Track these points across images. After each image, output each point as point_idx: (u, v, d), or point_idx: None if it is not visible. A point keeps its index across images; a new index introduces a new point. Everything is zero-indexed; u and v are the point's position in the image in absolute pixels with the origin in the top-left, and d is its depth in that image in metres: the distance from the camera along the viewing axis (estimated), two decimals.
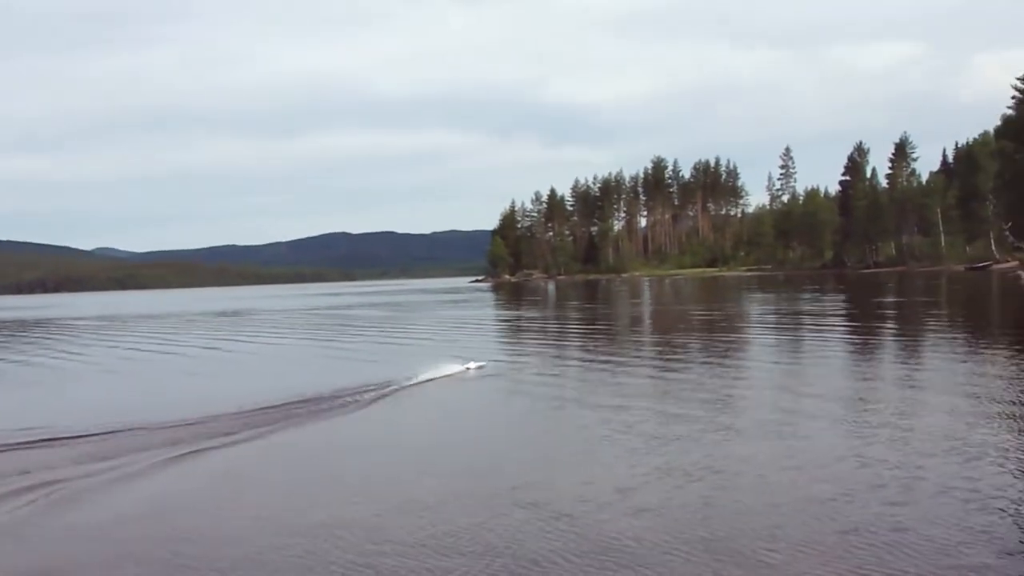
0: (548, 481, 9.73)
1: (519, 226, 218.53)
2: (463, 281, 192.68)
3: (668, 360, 22.80)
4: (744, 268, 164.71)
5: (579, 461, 10.73)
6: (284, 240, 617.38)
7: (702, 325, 35.58)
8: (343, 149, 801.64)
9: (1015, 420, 11.98)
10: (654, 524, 7.81)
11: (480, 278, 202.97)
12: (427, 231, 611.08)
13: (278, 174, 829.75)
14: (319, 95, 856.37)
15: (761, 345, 25.86)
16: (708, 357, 23.09)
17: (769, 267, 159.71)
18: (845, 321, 35.65)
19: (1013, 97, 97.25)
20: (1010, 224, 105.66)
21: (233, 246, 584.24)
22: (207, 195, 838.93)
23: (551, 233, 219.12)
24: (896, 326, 32.39)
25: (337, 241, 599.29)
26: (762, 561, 6.74)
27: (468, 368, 20.90)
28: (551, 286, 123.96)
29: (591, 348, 27.97)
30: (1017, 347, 21.62)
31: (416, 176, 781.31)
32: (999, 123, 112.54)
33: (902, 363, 20.20)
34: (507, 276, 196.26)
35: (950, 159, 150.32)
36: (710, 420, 13.02)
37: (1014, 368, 17.13)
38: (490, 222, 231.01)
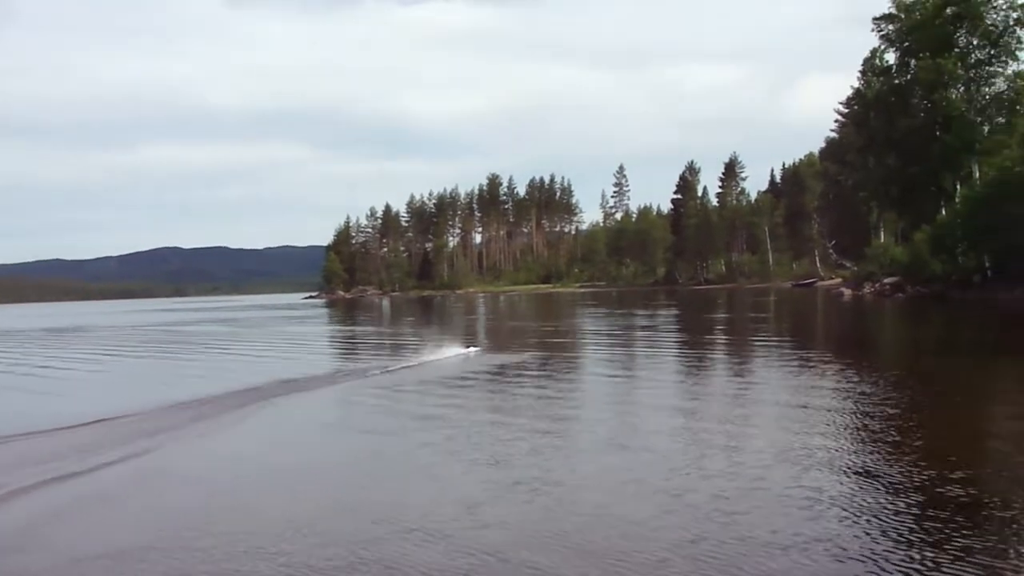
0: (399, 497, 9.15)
1: (354, 242, 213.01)
2: (297, 297, 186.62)
3: (505, 376, 20.63)
4: (578, 284, 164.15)
5: (427, 477, 10.07)
6: (114, 255, 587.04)
7: (538, 341, 33.31)
8: (174, 162, 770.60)
9: (845, 428, 11.85)
10: (502, 536, 7.52)
11: (314, 294, 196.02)
12: (261, 246, 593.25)
13: (108, 187, 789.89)
14: (150, 107, 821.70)
15: (597, 360, 24.77)
16: (546, 372, 21.32)
17: (603, 283, 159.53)
18: (679, 336, 34.58)
19: (836, 120, 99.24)
20: (834, 242, 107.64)
21: (59, 260, 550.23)
22: (30, 208, 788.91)
23: (386, 249, 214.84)
24: (728, 341, 31.40)
25: (168, 256, 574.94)
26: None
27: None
28: (386, 302, 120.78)
29: None
30: (843, 360, 21.73)
31: (250, 190, 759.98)
32: (823, 145, 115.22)
33: (735, 376, 19.66)
34: (341, 292, 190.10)
35: (778, 179, 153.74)
36: (551, 434, 12.31)
37: (841, 380, 17.22)
38: (324, 237, 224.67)
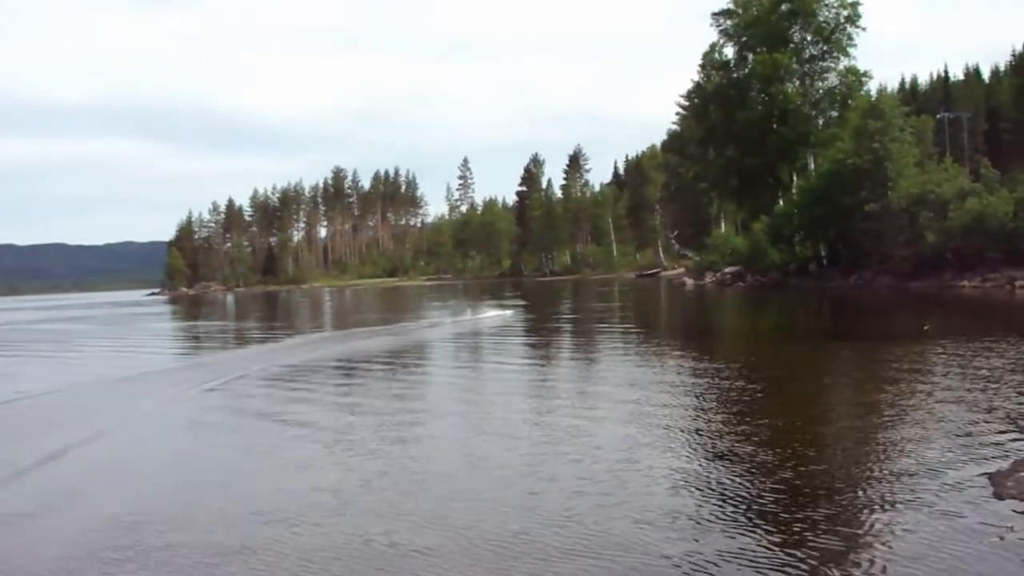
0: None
1: (196, 237, 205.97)
2: (139, 294, 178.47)
3: (351, 370, 19.99)
4: (424, 277, 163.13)
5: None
6: None
7: (383, 333, 32.24)
8: (5, 158, 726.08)
9: (691, 414, 11.90)
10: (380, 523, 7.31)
11: (156, 291, 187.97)
12: (101, 243, 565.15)
13: None
14: None
15: (442, 354, 24.23)
16: (392, 365, 20.80)
17: (449, 276, 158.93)
18: (525, 326, 34.14)
19: (677, 113, 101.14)
20: (676, 233, 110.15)
21: None
22: None
23: (229, 244, 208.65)
24: (574, 331, 31.15)
25: (2, 253, 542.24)
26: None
27: None
28: (230, 298, 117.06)
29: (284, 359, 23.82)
30: (687, 348, 21.98)
31: (88, 186, 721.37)
32: (665, 137, 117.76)
33: (587, 365, 19.66)
34: (184, 289, 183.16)
35: (621, 171, 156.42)
36: (404, 425, 11.86)
37: (685, 367, 17.30)
38: (166, 233, 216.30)
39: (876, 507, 7.12)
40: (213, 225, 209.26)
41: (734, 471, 8.55)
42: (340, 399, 15.04)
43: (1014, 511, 6.74)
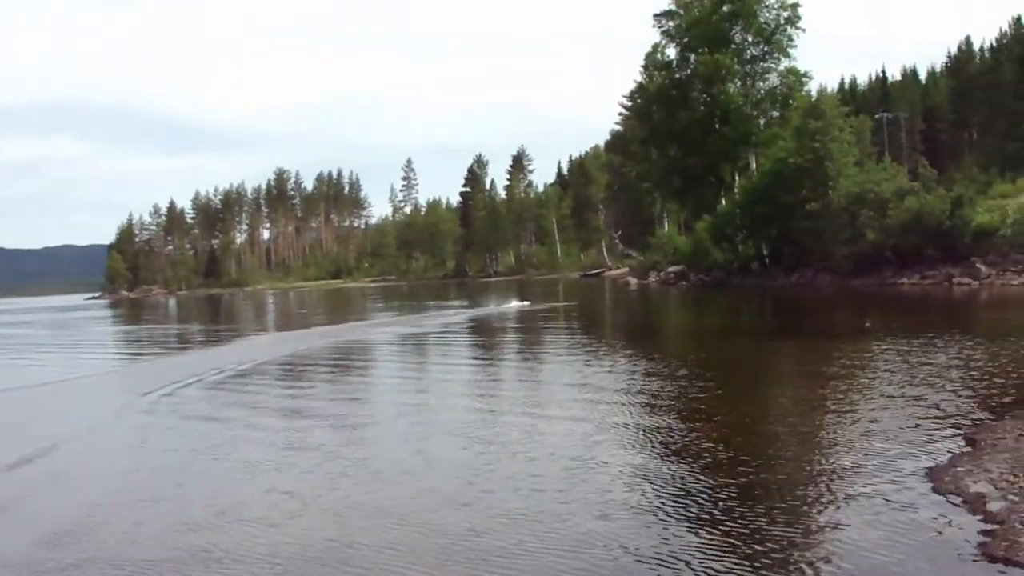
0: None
1: (137, 240, 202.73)
2: (79, 298, 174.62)
3: (294, 375, 19.59)
4: (368, 279, 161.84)
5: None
6: None
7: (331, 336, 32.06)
8: None
9: (637, 414, 11.86)
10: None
11: (97, 295, 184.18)
12: (38, 246, 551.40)
13: None
14: None
15: (389, 356, 24.21)
16: (335, 368, 20.72)
17: (393, 277, 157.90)
18: (469, 327, 34.56)
19: (620, 113, 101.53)
20: (619, 233, 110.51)
21: None
22: None
23: (171, 247, 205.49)
24: (520, 331, 31.39)
25: None
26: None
27: None
28: (172, 301, 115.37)
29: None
30: (632, 348, 22.17)
31: (24, 187, 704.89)
32: (608, 138, 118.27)
33: (535, 365, 19.69)
34: (125, 292, 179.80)
35: (565, 171, 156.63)
36: (346, 431, 11.77)
37: (630, 367, 17.38)
38: (107, 236, 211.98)
39: (817, 503, 7.18)
40: (154, 227, 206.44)
41: (678, 469, 8.62)
42: (289, 401, 14.87)
43: (952, 505, 6.82)
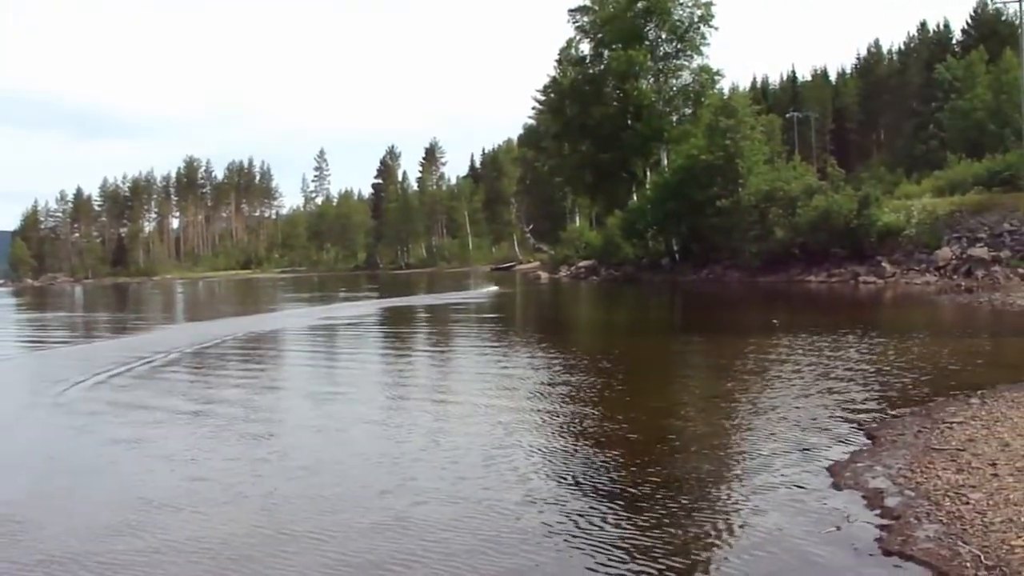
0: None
1: (43, 227, 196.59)
2: None
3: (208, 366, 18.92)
4: (279, 270, 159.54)
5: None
6: None
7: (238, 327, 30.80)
8: None
9: (544, 404, 12.01)
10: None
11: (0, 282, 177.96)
12: None
13: None
14: None
15: (302, 346, 23.35)
16: (246, 359, 20.01)
17: (304, 268, 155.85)
18: (381, 322, 33.52)
19: (533, 107, 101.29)
20: (531, 227, 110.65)
21: None
22: None
23: (78, 235, 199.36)
24: (430, 323, 31.37)
25: None
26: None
27: None
28: (79, 290, 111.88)
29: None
30: (541, 342, 21.84)
31: None
32: (521, 132, 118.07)
33: (445, 359, 19.27)
34: (30, 280, 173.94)
35: (478, 164, 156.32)
36: (263, 421, 11.43)
37: (540, 361, 17.27)
38: (11, 222, 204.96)
39: (718, 500, 7.23)
40: (61, 215, 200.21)
41: (583, 462, 8.64)
42: (210, 390, 14.48)
43: (851, 501, 6.94)
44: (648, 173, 61.91)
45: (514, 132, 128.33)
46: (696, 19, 60.89)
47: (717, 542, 6.24)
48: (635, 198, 60.75)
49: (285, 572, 5.94)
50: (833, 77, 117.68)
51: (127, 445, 10.16)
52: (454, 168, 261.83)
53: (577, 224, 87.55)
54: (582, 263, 63.35)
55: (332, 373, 16.89)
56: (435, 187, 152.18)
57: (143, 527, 6.92)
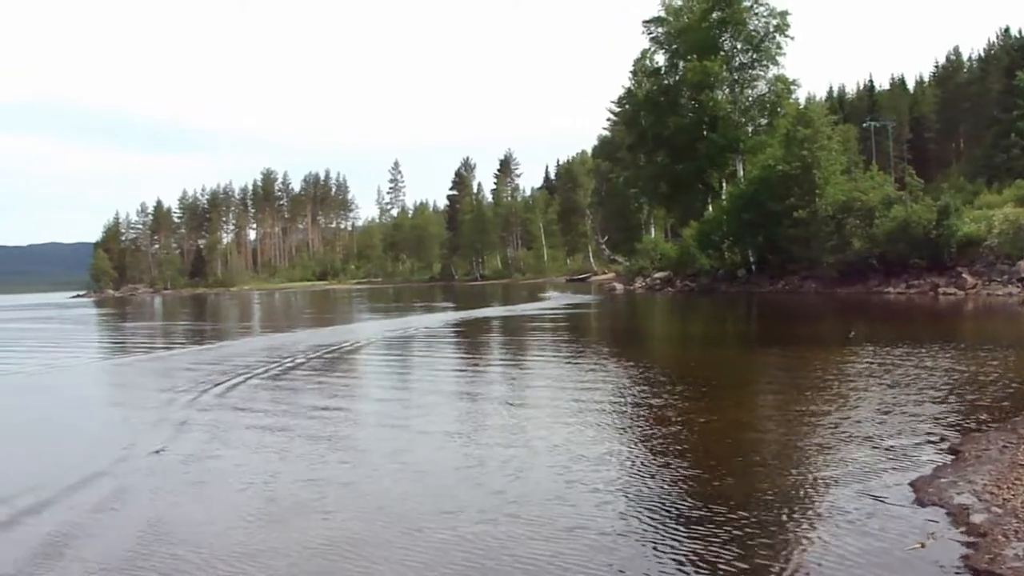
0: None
1: (124, 239, 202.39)
2: (63, 296, 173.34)
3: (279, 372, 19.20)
4: (354, 281, 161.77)
5: None
6: None
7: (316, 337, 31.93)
8: None
9: (619, 416, 12.03)
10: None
11: (82, 293, 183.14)
12: (24, 243, 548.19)
13: None
14: None
15: (381, 356, 23.72)
16: (323, 366, 20.18)
17: (379, 280, 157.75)
18: (457, 330, 34.32)
19: (608, 119, 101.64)
20: (606, 238, 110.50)
21: None
22: None
23: (157, 246, 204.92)
24: (503, 334, 31.34)
25: None
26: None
27: None
28: (158, 300, 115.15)
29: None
30: (619, 353, 22.00)
31: (8, 184, 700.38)
32: (596, 143, 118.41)
33: (521, 370, 19.25)
34: (111, 291, 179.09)
35: (552, 176, 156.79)
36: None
37: (617, 373, 17.23)
38: (93, 234, 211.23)
39: (799, 514, 7.09)
40: (141, 227, 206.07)
41: (658, 476, 8.55)
42: (313, 400, 14.66)
43: (935, 517, 6.76)
44: (724, 184, 61.70)
45: (588, 143, 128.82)
46: (772, 29, 60.55)
47: (798, 558, 6.14)
48: (711, 209, 60.53)
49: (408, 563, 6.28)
50: (911, 85, 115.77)
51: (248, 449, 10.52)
52: (529, 180, 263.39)
53: (652, 235, 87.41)
54: (657, 274, 63.28)
55: (414, 385, 17.13)
56: (510, 199, 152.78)
57: (270, 526, 7.23)
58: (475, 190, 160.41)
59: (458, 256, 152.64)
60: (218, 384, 16.04)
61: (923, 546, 6.20)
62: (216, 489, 8.59)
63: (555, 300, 54.80)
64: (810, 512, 7.14)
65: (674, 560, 6.20)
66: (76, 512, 7.74)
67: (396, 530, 7.05)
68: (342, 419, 12.46)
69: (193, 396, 14.63)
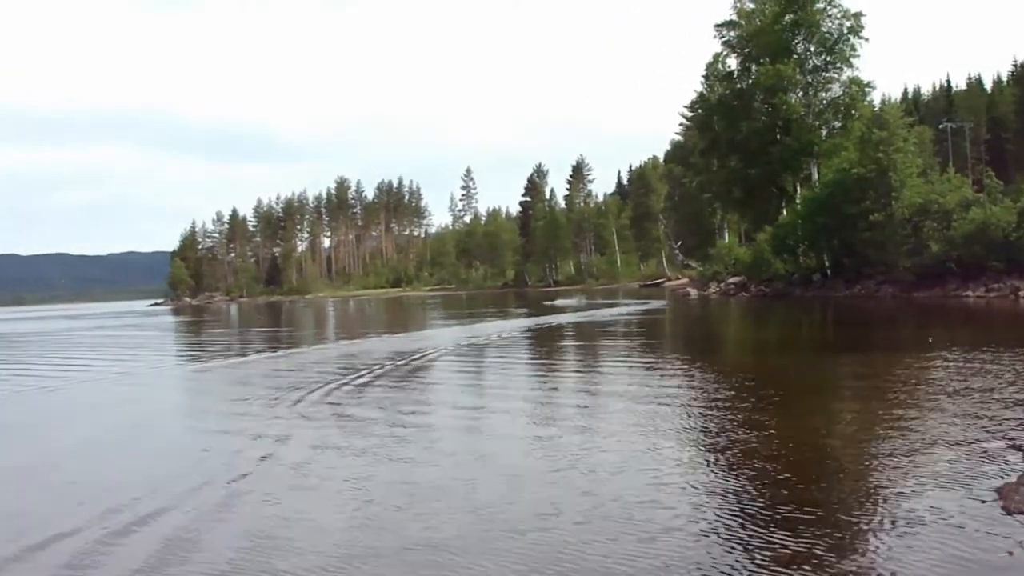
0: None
1: (200, 247, 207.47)
2: (141, 305, 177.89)
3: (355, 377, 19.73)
4: (428, 288, 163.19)
5: None
6: None
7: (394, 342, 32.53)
8: (9, 167, 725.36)
9: (701, 422, 12.04)
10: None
11: (159, 301, 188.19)
12: (104, 252, 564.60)
13: None
14: None
15: (451, 363, 23.81)
16: (405, 373, 20.33)
17: (453, 286, 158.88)
18: (533, 336, 34.45)
19: (680, 124, 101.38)
20: (679, 243, 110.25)
21: None
22: None
23: (233, 254, 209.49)
24: (577, 339, 31.70)
25: (4, 263, 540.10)
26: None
27: None
28: (233, 308, 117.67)
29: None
30: (694, 358, 22.13)
31: (89, 195, 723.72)
32: (668, 148, 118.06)
33: (597, 375, 19.22)
34: (188, 299, 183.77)
35: (624, 181, 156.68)
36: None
37: (692, 378, 17.43)
38: (170, 243, 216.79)
39: (879, 522, 7.02)
40: (217, 235, 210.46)
41: (734, 482, 8.60)
42: (409, 404, 15.10)
43: (1023, 526, 6.64)
44: (798, 188, 61.30)
45: (660, 148, 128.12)
46: (846, 30, 60.09)
47: (881, 567, 6.03)
48: (785, 213, 60.21)
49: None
50: (988, 85, 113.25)
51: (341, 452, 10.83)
52: (601, 185, 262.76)
53: (726, 240, 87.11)
54: (731, 279, 63.10)
55: (495, 391, 17.20)
56: (582, 204, 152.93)
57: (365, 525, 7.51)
58: (548, 196, 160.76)
59: (531, 262, 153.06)
60: (307, 391, 16.50)
61: (1011, 555, 6.06)
62: (318, 494, 8.85)
63: (629, 306, 54.84)
64: (894, 518, 7.04)
65: (764, 562, 6.23)
66: (192, 516, 8.04)
67: (494, 531, 7.18)
68: (428, 424, 12.80)
69: (288, 402, 15.09)
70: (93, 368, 26.72)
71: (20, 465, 11.22)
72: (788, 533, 6.78)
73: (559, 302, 65.30)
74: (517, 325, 39.13)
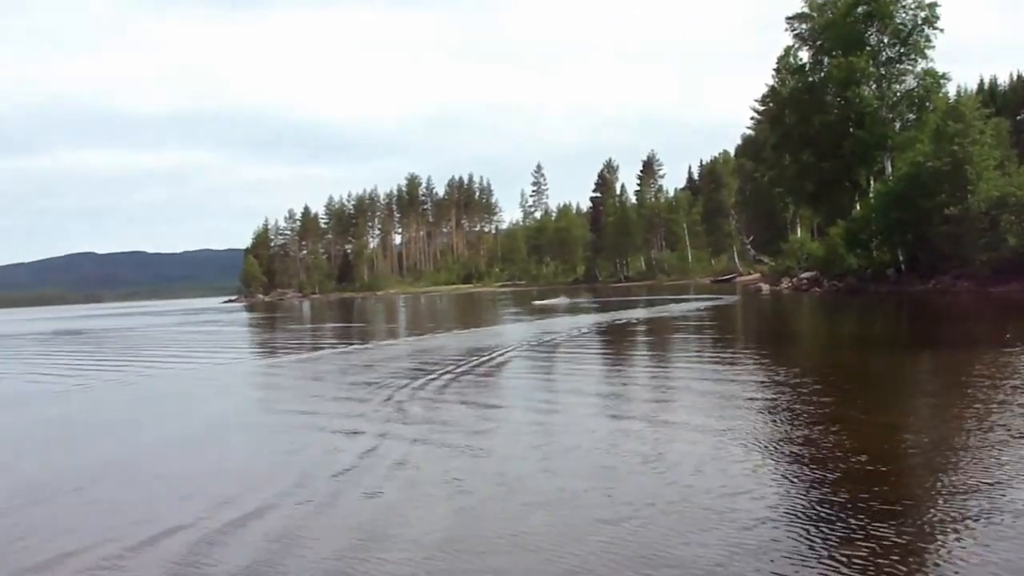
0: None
1: (272, 244, 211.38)
2: (215, 301, 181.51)
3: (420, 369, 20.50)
4: (499, 284, 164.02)
5: None
6: (25, 261, 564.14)
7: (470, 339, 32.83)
8: (84, 167, 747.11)
9: (775, 417, 12.06)
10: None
11: (233, 298, 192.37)
12: (179, 250, 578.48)
13: (18, 194, 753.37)
14: (51, 111, 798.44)
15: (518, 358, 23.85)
16: (481, 370, 20.36)
17: (523, 282, 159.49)
18: (606, 331, 34.91)
19: (752, 118, 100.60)
20: (751, 238, 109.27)
21: None
22: None
23: (305, 251, 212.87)
24: (653, 337, 31.47)
25: (82, 262, 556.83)
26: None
27: None
28: (306, 304, 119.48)
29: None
30: (770, 353, 22.08)
31: (165, 194, 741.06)
32: (739, 142, 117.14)
33: (670, 371, 19.19)
34: (260, 296, 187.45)
35: (695, 176, 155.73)
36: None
37: (768, 373, 17.32)
38: (243, 241, 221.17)
39: (957, 519, 7.00)
40: (289, 233, 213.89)
41: (828, 475, 8.64)
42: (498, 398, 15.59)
43: None
44: (871, 181, 60.50)
45: (731, 143, 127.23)
46: (920, 21, 59.10)
47: (970, 557, 6.06)
48: (858, 207, 59.48)
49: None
50: None
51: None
52: (672, 180, 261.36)
53: (798, 235, 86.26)
54: (804, 274, 62.65)
55: (570, 385, 17.27)
56: (653, 199, 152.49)
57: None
58: (618, 191, 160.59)
59: (602, 258, 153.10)
60: (394, 388, 16.75)
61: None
62: (416, 490, 8.94)
63: (701, 301, 54.80)
64: (970, 517, 6.97)
65: (861, 551, 6.30)
66: (299, 511, 8.18)
67: (582, 524, 7.28)
68: (513, 419, 13.06)
69: (379, 400, 15.30)
70: (194, 360, 28.04)
71: (119, 459, 11.56)
72: (880, 524, 6.89)
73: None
74: (591, 320, 39.39)
